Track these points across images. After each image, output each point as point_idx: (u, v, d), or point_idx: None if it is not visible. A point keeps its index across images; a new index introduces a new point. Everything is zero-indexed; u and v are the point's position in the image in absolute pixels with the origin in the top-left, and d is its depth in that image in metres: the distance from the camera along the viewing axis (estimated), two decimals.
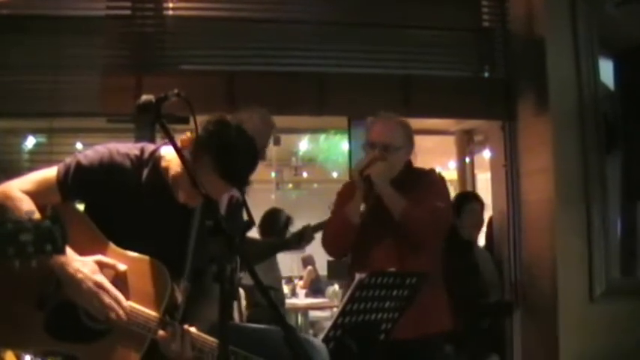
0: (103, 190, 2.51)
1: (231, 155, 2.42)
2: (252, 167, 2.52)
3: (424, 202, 3.56)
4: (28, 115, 4.60)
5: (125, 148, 2.61)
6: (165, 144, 2.54)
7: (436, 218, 3.57)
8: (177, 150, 2.29)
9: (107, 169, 2.52)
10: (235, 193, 2.80)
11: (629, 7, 4.72)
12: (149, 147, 2.64)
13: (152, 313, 2.43)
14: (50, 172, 2.52)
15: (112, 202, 2.52)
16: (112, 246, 2.50)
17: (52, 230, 1.84)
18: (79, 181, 2.49)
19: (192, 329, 2.45)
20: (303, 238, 4.57)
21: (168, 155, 2.54)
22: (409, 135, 3.76)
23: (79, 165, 2.51)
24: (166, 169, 2.54)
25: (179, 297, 2.53)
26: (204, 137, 2.42)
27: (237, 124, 2.51)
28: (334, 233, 3.77)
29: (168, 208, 2.54)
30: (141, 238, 2.48)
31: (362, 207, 3.64)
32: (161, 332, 2.41)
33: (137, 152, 2.60)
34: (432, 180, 3.78)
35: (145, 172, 2.57)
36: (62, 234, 1.86)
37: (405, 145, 3.72)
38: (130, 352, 2.42)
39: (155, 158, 2.59)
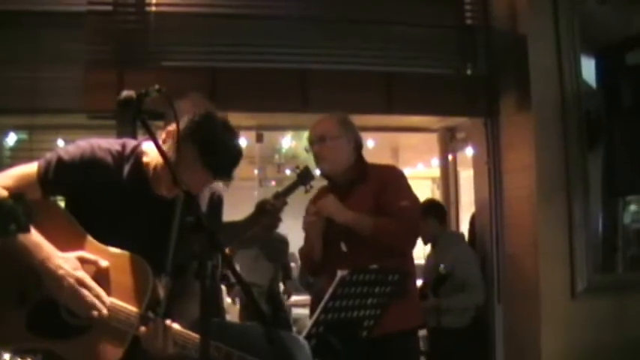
0: (84, 185, 2.49)
1: (216, 146, 2.42)
2: (235, 160, 2.51)
3: (389, 205, 3.54)
4: (8, 111, 4.57)
5: (107, 143, 2.59)
6: (147, 139, 2.53)
7: (406, 222, 3.54)
8: (158, 146, 2.28)
9: (88, 164, 2.50)
10: (217, 189, 2.80)
11: (610, 4, 4.74)
12: (131, 142, 2.63)
13: (134, 309, 2.42)
14: (31, 168, 2.50)
15: (93, 197, 2.51)
16: (94, 242, 2.48)
17: (15, 209, 1.81)
18: (59, 176, 2.47)
19: (175, 325, 2.44)
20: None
21: (150, 151, 2.53)
22: (346, 125, 3.76)
23: (59, 160, 2.49)
24: (148, 165, 2.53)
25: (161, 293, 2.52)
26: (191, 128, 2.42)
27: (222, 117, 2.51)
28: (304, 260, 3.95)
29: (149, 204, 2.53)
30: (122, 233, 2.47)
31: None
32: (143, 328, 2.39)
33: (119, 148, 2.58)
34: (393, 176, 3.77)
35: (127, 167, 2.56)
36: (25, 212, 1.82)
37: (344, 134, 3.71)
38: (112, 348, 2.40)
39: (137, 154, 2.57)
